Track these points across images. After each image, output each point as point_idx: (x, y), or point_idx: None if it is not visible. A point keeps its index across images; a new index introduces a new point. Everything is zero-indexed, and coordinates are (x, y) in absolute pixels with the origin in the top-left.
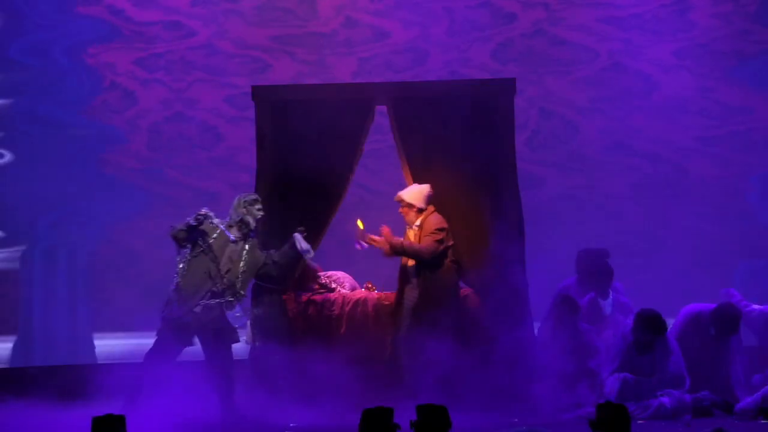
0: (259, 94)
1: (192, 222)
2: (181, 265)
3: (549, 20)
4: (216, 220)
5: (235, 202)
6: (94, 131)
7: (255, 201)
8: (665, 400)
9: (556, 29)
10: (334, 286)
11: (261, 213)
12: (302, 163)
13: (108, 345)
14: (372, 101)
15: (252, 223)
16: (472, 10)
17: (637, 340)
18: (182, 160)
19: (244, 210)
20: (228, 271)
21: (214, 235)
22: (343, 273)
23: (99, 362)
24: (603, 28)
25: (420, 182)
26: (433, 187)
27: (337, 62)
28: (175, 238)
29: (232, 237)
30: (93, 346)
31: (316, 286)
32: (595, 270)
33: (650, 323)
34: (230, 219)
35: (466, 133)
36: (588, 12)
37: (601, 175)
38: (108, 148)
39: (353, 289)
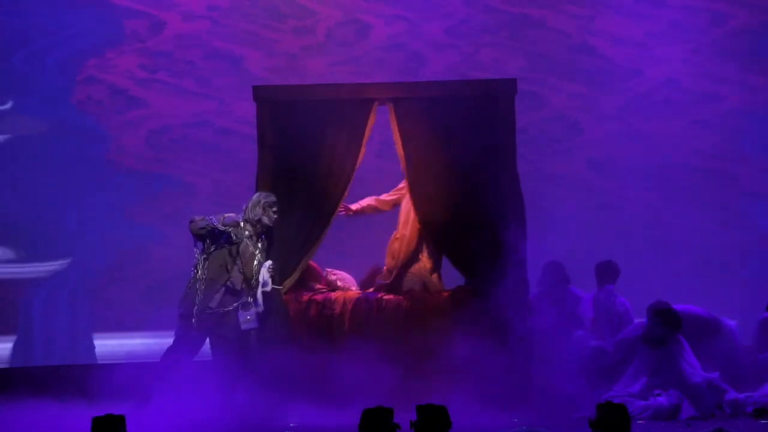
0: (259, 94)
1: (219, 227)
2: (201, 258)
3: (549, 20)
4: (239, 219)
5: (254, 199)
6: (93, 131)
7: (274, 203)
8: (663, 399)
9: (556, 29)
10: (340, 284)
11: (276, 216)
12: (303, 163)
13: (108, 345)
14: (372, 101)
15: (268, 225)
16: (473, 11)
17: (650, 336)
18: (183, 160)
19: (261, 210)
20: (244, 265)
21: (237, 234)
22: (350, 277)
23: (99, 362)
24: (604, 28)
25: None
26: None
27: (335, 62)
28: (194, 234)
29: (246, 233)
30: (93, 346)
31: (319, 286)
32: (606, 266)
33: (667, 317)
34: (245, 215)
35: (466, 133)
36: (588, 11)
37: (601, 175)
38: (108, 148)
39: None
